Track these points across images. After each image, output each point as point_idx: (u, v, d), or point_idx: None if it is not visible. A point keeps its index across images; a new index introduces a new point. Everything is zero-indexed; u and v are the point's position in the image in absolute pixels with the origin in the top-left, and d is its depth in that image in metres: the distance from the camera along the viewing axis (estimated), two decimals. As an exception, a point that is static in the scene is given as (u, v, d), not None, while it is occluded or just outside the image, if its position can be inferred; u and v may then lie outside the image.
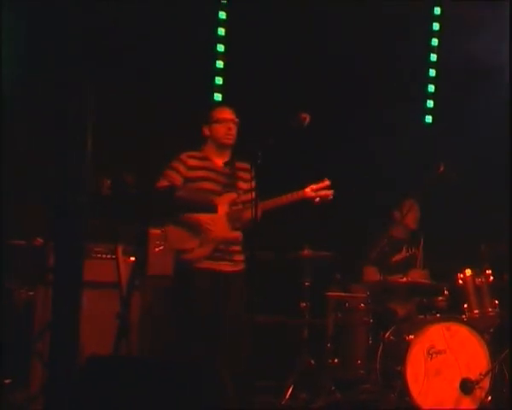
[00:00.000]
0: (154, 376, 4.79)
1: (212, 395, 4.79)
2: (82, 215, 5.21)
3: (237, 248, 6.10)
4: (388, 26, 7.94)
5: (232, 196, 6.09)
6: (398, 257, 7.37)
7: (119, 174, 5.88)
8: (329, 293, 7.12)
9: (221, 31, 7.93)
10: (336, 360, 6.90)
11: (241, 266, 6.08)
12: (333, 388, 6.77)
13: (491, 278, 6.78)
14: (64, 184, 5.30)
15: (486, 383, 6.34)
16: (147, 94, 7.55)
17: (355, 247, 7.46)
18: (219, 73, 7.92)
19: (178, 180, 6.03)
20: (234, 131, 6.10)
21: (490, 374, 6.35)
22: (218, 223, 5.99)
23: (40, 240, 6.24)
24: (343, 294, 7.18)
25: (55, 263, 5.39)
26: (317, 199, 6.04)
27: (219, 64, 7.92)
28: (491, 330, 6.69)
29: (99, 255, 6.51)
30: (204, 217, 5.97)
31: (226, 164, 6.11)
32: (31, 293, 6.30)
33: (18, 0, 6.88)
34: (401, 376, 6.37)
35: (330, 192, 6.05)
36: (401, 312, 7.05)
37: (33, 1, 6.68)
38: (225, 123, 6.09)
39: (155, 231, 6.61)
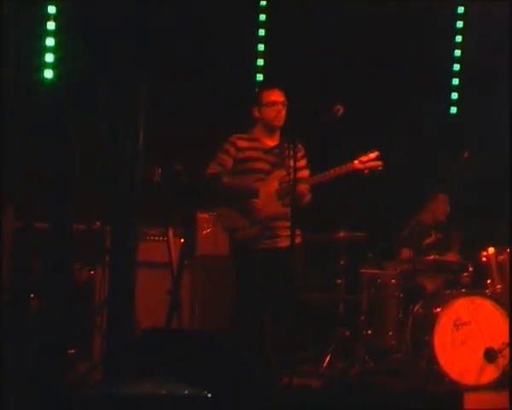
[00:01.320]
0: (202, 346, 4.82)
1: (255, 364, 4.80)
2: (136, 201, 5.24)
3: (288, 224, 5.66)
4: (416, 25, 7.87)
5: (281, 173, 5.77)
6: (428, 240, 7.30)
7: (169, 163, 5.92)
8: (363, 270, 7.08)
9: (262, 17, 7.86)
10: (369, 332, 6.86)
11: (297, 240, 5.70)
12: (366, 357, 6.76)
13: (513, 255, 6.70)
14: (119, 173, 5.33)
15: (508, 352, 6.27)
16: (193, 84, 7.53)
17: (387, 227, 7.38)
18: (261, 55, 7.85)
19: (229, 162, 5.81)
20: (283, 113, 5.82)
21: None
22: (267, 200, 5.74)
23: (98, 224, 6.29)
24: (376, 271, 7.13)
25: (112, 245, 5.43)
26: (366, 171, 5.75)
27: (261, 47, 7.85)
28: (514, 304, 6.61)
29: (152, 238, 6.56)
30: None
31: (276, 146, 5.84)
32: (91, 272, 6.36)
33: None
34: (429, 346, 6.33)
35: (379, 163, 5.76)
36: (429, 287, 7.00)
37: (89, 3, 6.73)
38: (275, 105, 5.81)
39: (203, 215, 6.64)
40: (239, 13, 7.61)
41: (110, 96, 5.51)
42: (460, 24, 8.26)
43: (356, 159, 5.75)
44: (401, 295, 6.86)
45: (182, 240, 6.24)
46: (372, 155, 5.77)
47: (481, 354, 6.31)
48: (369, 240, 6.97)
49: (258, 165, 5.80)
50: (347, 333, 6.90)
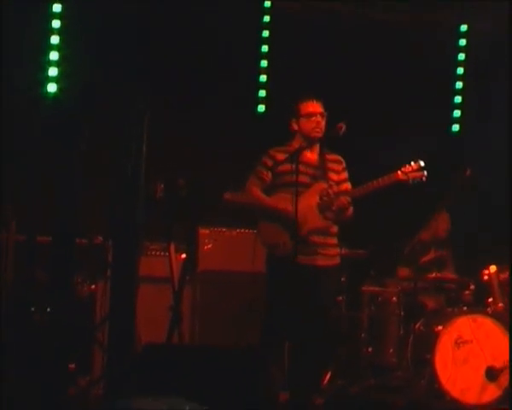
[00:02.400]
0: (203, 361, 4.83)
1: (258, 379, 4.81)
2: (138, 216, 5.27)
3: (332, 241, 5.67)
4: (417, 42, 7.92)
5: (322, 185, 5.63)
6: (426, 258, 7.28)
7: (171, 178, 5.94)
8: (364, 288, 7.09)
9: (264, 48, 7.93)
10: (370, 349, 6.86)
11: (335, 261, 5.68)
12: (367, 374, 6.76)
13: (515, 273, 6.71)
14: (122, 188, 5.36)
15: (509, 371, 6.27)
16: (197, 103, 7.58)
17: (389, 245, 7.40)
18: (263, 86, 7.93)
19: (268, 175, 5.66)
20: (322, 124, 5.64)
21: (513, 363, 6.30)
22: (308, 214, 5.55)
23: (100, 239, 6.30)
24: (377, 288, 7.13)
25: (114, 260, 5.45)
26: (410, 181, 5.58)
27: (263, 78, 7.93)
28: (515, 322, 6.62)
29: (153, 253, 6.56)
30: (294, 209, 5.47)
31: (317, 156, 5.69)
32: (92, 287, 6.37)
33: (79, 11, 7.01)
34: (430, 364, 6.33)
35: (423, 173, 5.59)
36: (430, 305, 7.00)
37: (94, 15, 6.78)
38: (313, 117, 5.65)
39: (205, 231, 6.65)
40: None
41: (114, 113, 5.55)
42: (463, 42, 8.32)
43: (399, 169, 5.63)
44: (402, 313, 6.85)
45: (183, 255, 6.25)
46: (415, 166, 5.63)
47: (483, 372, 6.31)
48: (370, 257, 6.98)
49: (299, 177, 5.54)
50: (348, 350, 6.90)
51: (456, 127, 8.35)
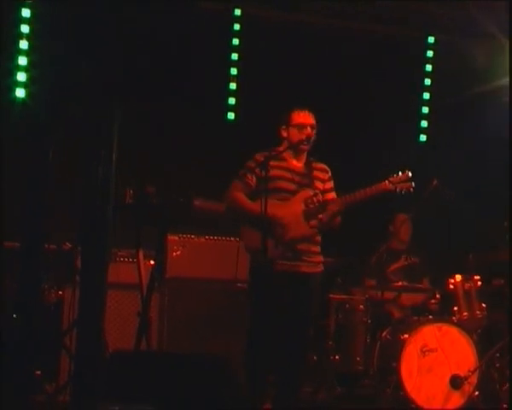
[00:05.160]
0: (171, 368, 4.83)
1: (225, 387, 4.82)
2: (107, 222, 5.25)
3: (316, 248, 5.66)
4: (388, 53, 8.01)
5: (308, 193, 5.62)
6: (394, 266, 7.33)
7: (140, 185, 5.94)
8: (331, 295, 7.13)
9: (234, 55, 7.96)
10: (337, 357, 6.88)
11: (319, 268, 5.68)
12: (334, 382, 6.80)
13: (479, 283, 6.79)
14: (91, 194, 5.34)
15: (474, 380, 6.35)
16: (166, 111, 7.58)
17: (356, 254, 7.45)
18: (232, 93, 7.96)
19: (253, 180, 5.63)
20: (312, 136, 5.64)
21: (477, 371, 6.37)
22: (294, 221, 5.55)
23: (69, 245, 6.28)
24: (344, 296, 7.18)
25: (82, 266, 5.43)
26: (397, 191, 5.59)
27: (232, 86, 7.96)
28: (479, 331, 6.69)
29: (122, 259, 6.55)
30: (280, 215, 5.52)
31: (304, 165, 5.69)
32: (60, 293, 6.34)
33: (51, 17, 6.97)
34: (396, 372, 6.39)
35: (410, 184, 5.61)
36: (396, 313, 7.07)
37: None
38: (304, 128, 5.65)
39: (173, 237, 6.65)
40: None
41: (83, 118, 5.53)
42: (430, 53, 8.42)
43: (387, 179, 5.64)
44: (369, 321, 6.90)
45: (152, 262, 6.24)
46: (403, 176, 5.65)
47: (447, 380, 6.38)
48: (337, 265, 7.03)
49: (284, 184, 5.63)
50: (315, 358, 6.94)
51: (423, 137, 8.44)
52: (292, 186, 5.63)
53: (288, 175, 5.62)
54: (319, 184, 5.70)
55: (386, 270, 7.21)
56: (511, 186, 6.71)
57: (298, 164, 5.73)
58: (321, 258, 5.71)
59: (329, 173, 5.79)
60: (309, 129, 5.65)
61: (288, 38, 7.86)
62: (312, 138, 5.67)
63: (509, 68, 7.55)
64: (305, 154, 5.75)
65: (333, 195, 5.77)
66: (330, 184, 5.78)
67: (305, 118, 5.69)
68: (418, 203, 6.69)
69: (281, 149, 5.69)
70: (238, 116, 7.89)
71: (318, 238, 5.70)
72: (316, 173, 5.73)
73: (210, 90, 7.78)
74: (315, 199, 5.59)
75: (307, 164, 5.73)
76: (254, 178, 5.63)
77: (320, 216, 5.58)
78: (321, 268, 5.71)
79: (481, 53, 7.73)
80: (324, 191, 5.71)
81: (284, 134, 5.72)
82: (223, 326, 6.51)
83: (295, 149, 5.69)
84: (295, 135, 5.67)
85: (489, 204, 7.65)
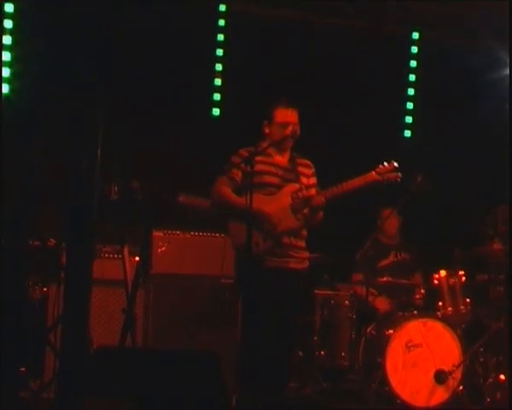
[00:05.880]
0: (157, 365, 4.82)
1: (211, 383, 4.82)
2: (91, 218, 5.23)
3: (302, 244, 5.64)
4: (374, 52, 8.03)
5: (294, 187, 5.59)
6: (384, 262, 7.35)
7: (125, 181, 5.92)
8: (317, 291, 7.14)
9: (219, 51, 7.95)
10: (323, 353, 6.91)
11: (305, 264, 5.67)
12: (319, 378, 6.82)
13: (464, 278, 6.82)
14: (75, 190, 5.31)
15: (458, 374, 6.39)
16: (151, 107, 7.57)
17: (342, 249, 7.45)
18: (217, 89, 7.94)
19: (238, 175, 5.60)
20: (294, 134, 5.61)
21: (462, 366, 6.40)
22: (281, 215, 5.52)
23: (53, 241, 6.26)
24: (329, 292, 7.19)
25: (67, 262, 5.41)
26: (384, 182, 5.57)
27: (217, 81, 7.94)
28: (463, 326, 6.74)
29: (107, 255, 6.52)
30: (267, 209, 5.48)
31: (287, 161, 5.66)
32: (44, 289, 6.31)
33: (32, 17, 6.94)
34: (381, 367, 6.42)
35: (397, 175, 5.58)
36: (382, 309, 7.09)
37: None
38: (286, 126, 5.60)
39: (158, 233, 6.64)
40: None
41: (67, 114, 5.51)
42: (415, 49, 8.44)
43: (373, 169, 5.61)
44: (354, 317, 6.93)
45: (137, 258, 6.23)
46: (390, 166, 5.62)
47: (432, 375, 6.42)
48: (323, 261, 7.03)
49: (269, 179, 5.60)
50: (300, 353, 6.95)
51: (407, 133, 8.47)
52: (277, 181, 5.61)
53: (273, 170, 5.61)
54: (304, 179, 5.69)
55: (376, 265, 7.21)
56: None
57: (282, 160, 5.71)
58: (307, 254, 5.70)
59: (313, 169, 5.77)
60: (291, 127, 5.61)
61: (273, 33, 7.86)
62: (295, 136, 5.64)
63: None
64: (289, 150, 5.73)
65: (316, 191, 5.74)
66: (314, 180, 5.76)
67: (287, 116, 5.64)
68: (404, 197, 6.71)
69: (264, 145, 5.66)
70: (223, 112, 7.88)
71: (304, 233, 5.68)
72: (300, 169, 5.71)
73: (195, 86, 7.77)
74: (300, 194, 5.57)
75: (291, 160, 5.71)
76: (239, 173, 5.61)
77: (305, 211, 5.56)
78: (306, 264, 5.71)
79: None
80: (308, 186, 5.69)
81: (266, 131, 5.69)
82: (208, 322, 6.50)
83: (278, 146, 5.66)
84: (277, 133, 5.63)
85: (474, 199, 7.71)
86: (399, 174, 5.61)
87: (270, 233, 5.49)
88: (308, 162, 5.78)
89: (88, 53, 5.53)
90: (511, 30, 7.16)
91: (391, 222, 7.38)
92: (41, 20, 7.02)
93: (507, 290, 6.58)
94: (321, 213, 5.69)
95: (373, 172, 5.59)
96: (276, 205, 5.55)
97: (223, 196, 5.65)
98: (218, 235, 6.62)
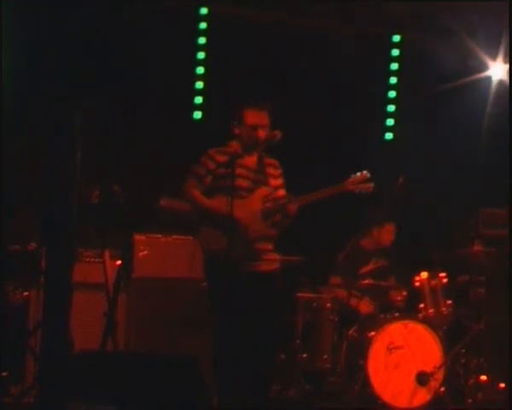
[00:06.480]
0: (138, 369, 4.82)
1: (192, 387, 4.82)
2: (72, 222, 5.21)
3: (271, 246, 5.56)
4: (353, 53, 8.05)
5: (264, 191, 5.52)
6: (365, 269, 7.34)
7: (106, 184, 5.91)
8: (299, 294, 7.14)
9: (201, 54, 7.95)
10: (305, 355, 6.89)
11: (276, 266, 5.57)
12: (302, 380, 6.82)
13: (445, 280, 6.85)
14: (56, 194, 5.30)
15: (440, 376, 6.41)
16: (133, 110, 7.56)
17: (323, 252, 7.46)
18: (199, 92, 7.95)
19: (208, 177, 5.49)
20: (264, 136, 5.47)
21: (443, 367, 6.42)
22: (253, 220, 5.44)
23: (33, 245, 6.23)
24: (311, 294, 7.19)
25: (47, 266, 5.39)
26: (357, 191, 5.54)
27: (199, 85, 7.95)
28: (445, 328, 6.76)
29: (88, 259, 6.51)
30: (238, 215, 5.34)
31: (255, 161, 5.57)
32: (25, 294, 6.28)
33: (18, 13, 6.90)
34: (363, 369, 6.44)
35: (370, 185, 5.57)
36: (363, 311, 7.10)
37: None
38: (256, 129, 5.47)
39: (140, 237, 6.63)
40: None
41: (47, 117, 5.49)
42: (396, 52, 8.46)
43: (346, 180, 5.58)
44: (336, 319, 6.92)
45: (118, 262, 6.21)
46: (362, 177, 5.59)
47: (414, 377, 6.44)
48: (304, 264, 7.03)
49: (240, 182, 5.46)
50: (283, 356, 6.95)
51: (389, 135, 8.49)
52: (248, 184, 5.51)
53: (244, 173, 5.49)
54: (272, 181, 5.61)
55: (356, 271, 7.22)
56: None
57: (251, 160, 5.59)
58: (276, 255, 5.62)
59: (280, 169, 5.69)
60: (261, 131, 5.49)
61: (255, 36, 7.86)
62: (274, 140, 5.51)
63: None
64: (257, 151, 5.60)
65: (282, 192, 5.66)
66: (281, 181, 5.67)
67: (256, 118, 5.51)
68: (386, 198, 6.73)
69: (234, 145, 5.58)
70: (205, 115, 7.88)
71: (274, 235, 5.61)
72: (268, 170, 5.62)
73: (177, 89, 7.76)
74: (270, 197, 5.51)
75: (259, 159, 5.61)
76: (209, 175, 5.51)
77: (277, 217, 5.51)
78: (277, 265, 5.62)
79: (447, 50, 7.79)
80: (276, 187, 5.62)
81: (236, 131, 5.57)
82: (190, 326, 6.50)
83: (249, 149, 5.54)
84: (247, 135, 5.52)
85: (455, 201, 7.74)
86: (372, 185, 5.60)
87: (243, 239, 5.40)
88: (275, 162, 5.68)
89: (68, 53, 5.51)
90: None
91: (389, 237, 7.39)
92: (23, 19, 7.00)
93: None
94: (289, 220, 5.62)
95: (345, 183, 5.57)
96: (247, 209, 5.46)
97: (194, 199, 5.54)
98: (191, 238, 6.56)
